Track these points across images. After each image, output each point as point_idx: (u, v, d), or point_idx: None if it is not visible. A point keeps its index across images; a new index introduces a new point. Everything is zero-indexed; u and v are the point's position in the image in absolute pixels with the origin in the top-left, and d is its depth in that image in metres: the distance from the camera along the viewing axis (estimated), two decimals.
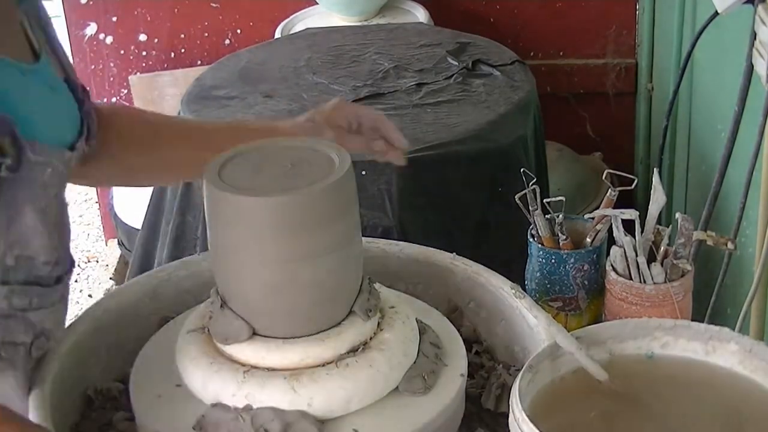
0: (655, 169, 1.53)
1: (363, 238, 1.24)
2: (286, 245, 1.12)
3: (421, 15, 2.90)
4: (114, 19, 3.14)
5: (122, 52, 3.18)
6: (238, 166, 1.16)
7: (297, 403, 1.12)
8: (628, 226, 1.40)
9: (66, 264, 1.19)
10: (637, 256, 1.39)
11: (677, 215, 1.39)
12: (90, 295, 3.24)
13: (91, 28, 3.16)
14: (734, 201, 1.73)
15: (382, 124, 1.39)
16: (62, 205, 1.17)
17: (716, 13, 1.71)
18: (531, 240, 1.51)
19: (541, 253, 1.49)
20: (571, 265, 1.48)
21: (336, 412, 1.14)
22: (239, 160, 1.17)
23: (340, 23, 2.84)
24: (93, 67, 3.18)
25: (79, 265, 3.38)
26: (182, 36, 3.15)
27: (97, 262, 3.46)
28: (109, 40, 3.16)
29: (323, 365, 1.15)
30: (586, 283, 1.49)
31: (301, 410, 1.12)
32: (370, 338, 1.20)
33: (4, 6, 1.15)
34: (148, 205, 2.29)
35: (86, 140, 1.24)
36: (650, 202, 1.41)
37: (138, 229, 2.39)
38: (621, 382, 1.11)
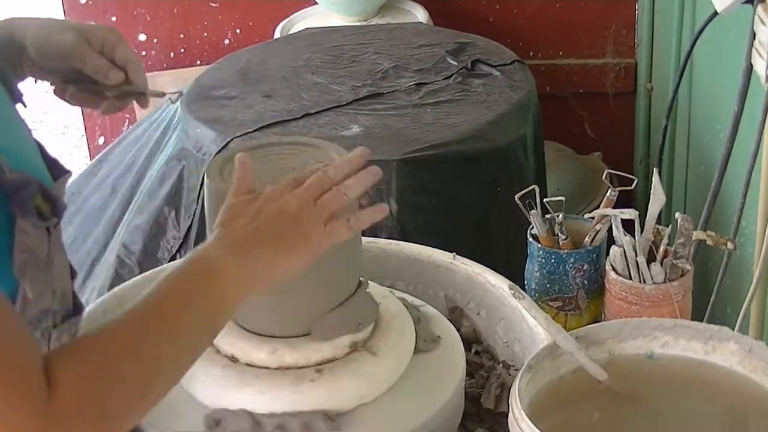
0: (654, 169, 1.53)
1: (363, 238, 1.24)
2: None
3: (420, 15, 2.90)
4: (113, 19, 3.14)
5: None
6: None
7: (295, 403, 1.13)
8: (628, 225, 1.40)
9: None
10: (636, 255, 1.39)
11: (677, 215, 1.39)
12: None
13: None
14: (734, 201, 1.73)
15: (134, 70, 1.23)
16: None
17: (715, 13, 1.71)
18: (531, 240, 1.51)
19: (540, 252, 1.49)
20: (570, 265, 1.48)
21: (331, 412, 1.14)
22: None
23: (339, 23, 2.84)
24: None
25: None
26: (182, 36, 3.15)
27: None
28: None
29: (320, 365, 1.16)
30: (585, 282, 1.49)
31: (317, 409, 1.12)
32: (366, 340, 1.20)
33: None
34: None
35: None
36: (650, 202, 1.41)
37: None
38: (621, 382, 1.11)
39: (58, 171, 1.08)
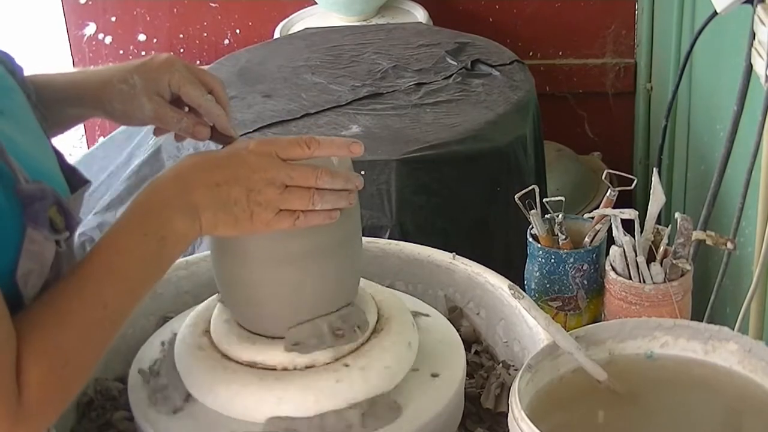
0: (654, 168, 1.53)
1: (363, 238, 1.24)
2: (286, 245, 1.13)
3: (420, 15, 2.90)
4: (113, 19, 3.14)
5: (121, 52, 3.18)
6: None
7: (299, 406, 1.12)
8: (628, 225, 1.40)
9: None
10: (636, 255, 1.39)
11: (676, 215, 1.39)
12: None
13: (90, 28, 3.16)
14: (733, 200, 1.73)
15: (208, 112, 1.25)
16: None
17: (715, 13, 1.71)
18: (530, 240, 1.51)
19: (540, 252, 1.49)
20: (570, 265, 1.48)
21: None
22: None
23: (338, 23, 2.84)
24: (92, 67, 3.17)
25: None
26: (181, 36, 3.15)
27: None
28: (108, 40, 3.17)
29: (319, 366, 1.16)
30: (585, 282, 1.49)
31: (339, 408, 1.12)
32: (366, 340, 1.20)
33: None
34: None
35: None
36: (649, 201, 1.41)
37: None
38: (620, 382, 1.11)
39: (76, 181, 1.08)
